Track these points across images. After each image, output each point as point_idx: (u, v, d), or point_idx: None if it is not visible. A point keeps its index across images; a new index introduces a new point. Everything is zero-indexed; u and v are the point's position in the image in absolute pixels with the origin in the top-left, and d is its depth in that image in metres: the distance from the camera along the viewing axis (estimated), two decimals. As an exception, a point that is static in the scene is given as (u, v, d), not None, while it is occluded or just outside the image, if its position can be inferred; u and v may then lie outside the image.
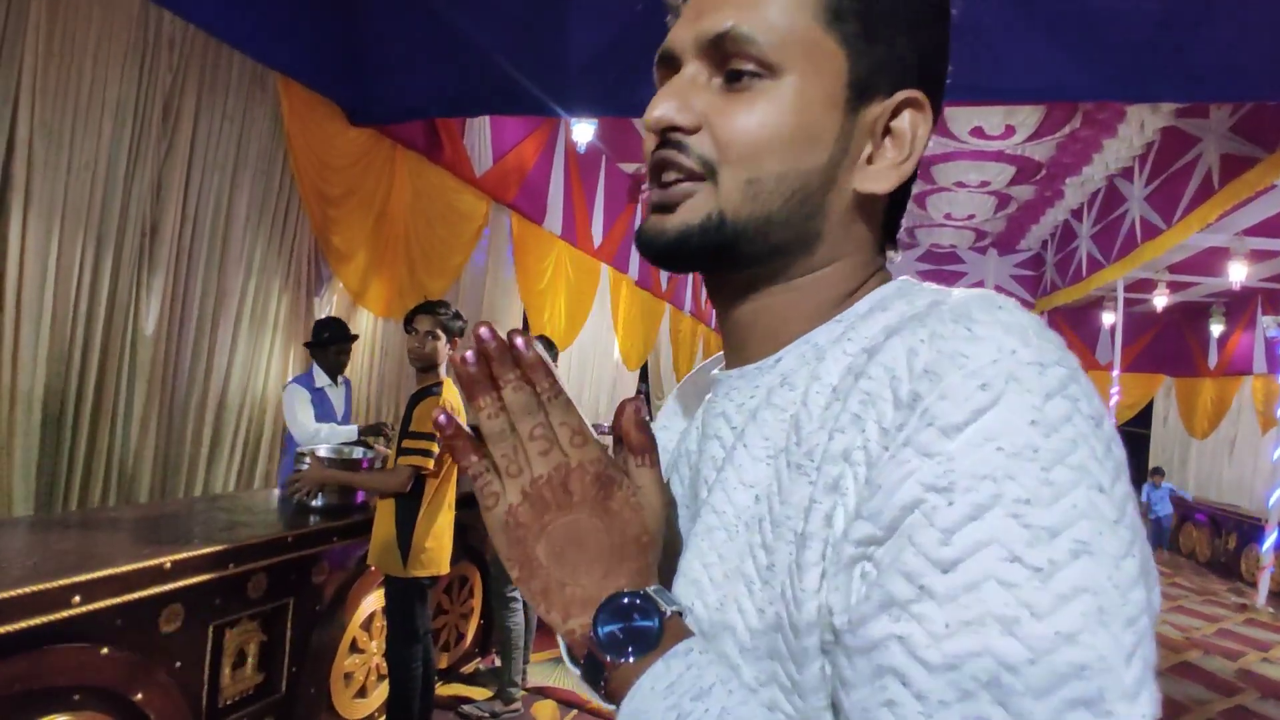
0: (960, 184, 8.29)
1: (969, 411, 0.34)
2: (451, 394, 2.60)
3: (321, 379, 3.42)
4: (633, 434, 0.44)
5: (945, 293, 0.44)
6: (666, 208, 0.46)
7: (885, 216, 0.50)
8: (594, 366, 7.72)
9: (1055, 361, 0.36)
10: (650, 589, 0.42)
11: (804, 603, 0.38)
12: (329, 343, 3.40)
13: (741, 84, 0.44)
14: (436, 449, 2.46)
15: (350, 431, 3.31)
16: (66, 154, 2.76)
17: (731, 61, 0.44)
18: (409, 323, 2.60)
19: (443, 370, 2.61)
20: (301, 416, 3.26)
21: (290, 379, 3.45)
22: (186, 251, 3.29)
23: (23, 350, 2.67)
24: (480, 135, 5.25)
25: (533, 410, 0.42)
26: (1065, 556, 0.32)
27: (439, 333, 2.55)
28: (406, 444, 2.49)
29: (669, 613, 0.41)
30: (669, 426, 0.60)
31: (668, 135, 0.46)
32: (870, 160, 0.46)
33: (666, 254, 0.46)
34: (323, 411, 3.37)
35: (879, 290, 0.47)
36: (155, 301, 3.15)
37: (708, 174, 0.45)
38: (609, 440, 0.48)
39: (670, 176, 0.46)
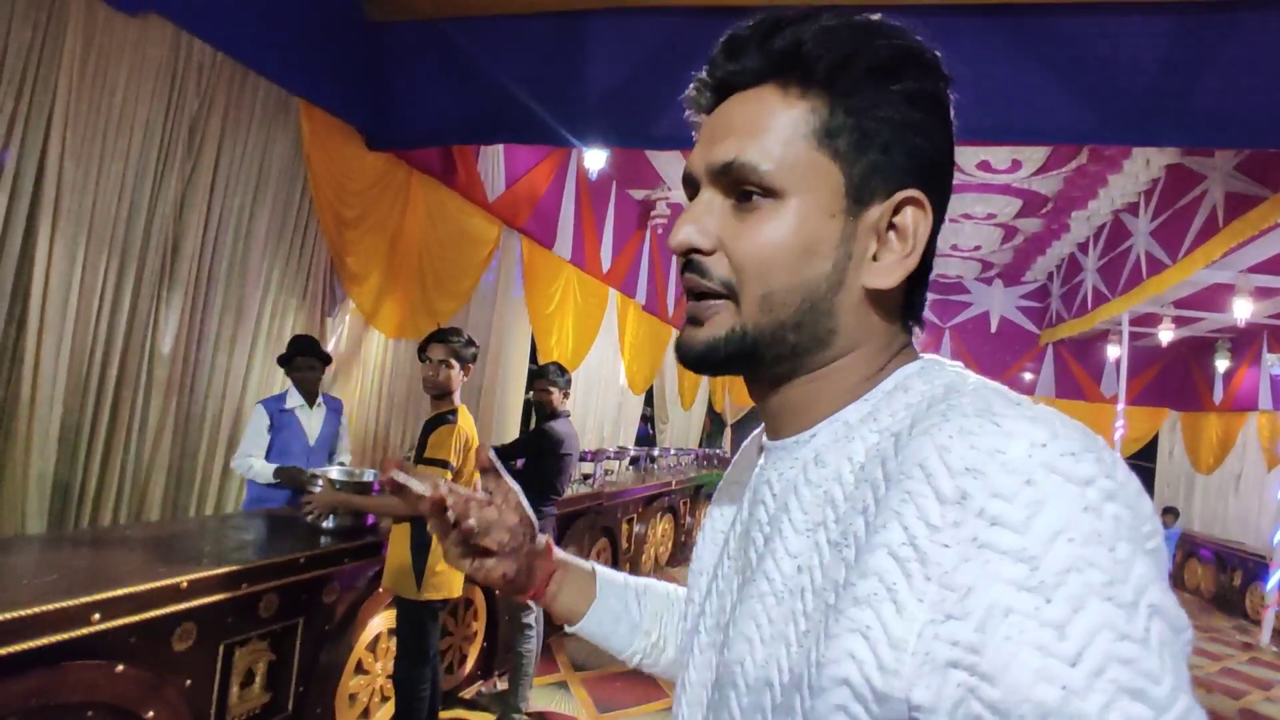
0: (967, 215, 8.35)
1: (1026, 507, 0.38)
2: (467, 422, 2.63)
3: (294, 400, 3.33)
4: None
5: (961, 376, 0.49)
6: (697, 321, 0.53)
7: (905, 298, 0.54)
8: (600, 389, 7.77)
9: (1084, 447, 0.39)
10: None
11: (824, 668, 0.41)
12: (289, 357, 3.33)
13: (751, 204, 0.51)
14: (449, 476, 2.49)
15: (265, 471, 3.17)
16: (95, 174, 2.82)
17: (740, 186, 0.51)
18: (422, 351, 2.64)
19: (456, 397, 2.65)
20: (247, 443, 3.19)
21: (260, 400, 3.37)
22: (206, 270, 3.34)
23: (43, 366, 2.71)
24: (494, 161, 5.34)
25: None
26: (1146, 619, 0.37)
27: (452, 361, 2.59)
28: (420, 470, 2.53)
29: None
30: (732, 481, 0.66)
31: (690, 257, 0.53)
32: (876, 257, 0.51)
33: (699, 362, 0.53)
34: (289, 434, 3.26)
35: (903, 369, 0.52)
36: (173, 319, 3.20)
37: (729, 293, 0.51)
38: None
39: (698, 293, 0.53)
